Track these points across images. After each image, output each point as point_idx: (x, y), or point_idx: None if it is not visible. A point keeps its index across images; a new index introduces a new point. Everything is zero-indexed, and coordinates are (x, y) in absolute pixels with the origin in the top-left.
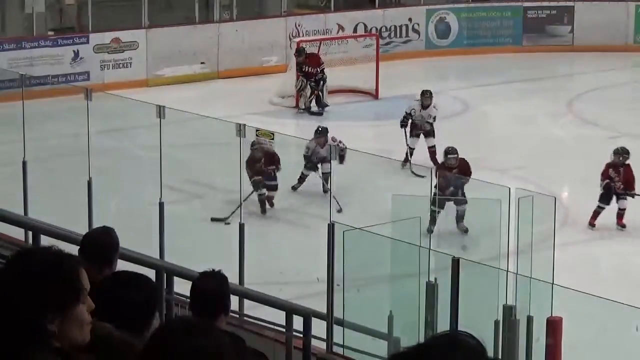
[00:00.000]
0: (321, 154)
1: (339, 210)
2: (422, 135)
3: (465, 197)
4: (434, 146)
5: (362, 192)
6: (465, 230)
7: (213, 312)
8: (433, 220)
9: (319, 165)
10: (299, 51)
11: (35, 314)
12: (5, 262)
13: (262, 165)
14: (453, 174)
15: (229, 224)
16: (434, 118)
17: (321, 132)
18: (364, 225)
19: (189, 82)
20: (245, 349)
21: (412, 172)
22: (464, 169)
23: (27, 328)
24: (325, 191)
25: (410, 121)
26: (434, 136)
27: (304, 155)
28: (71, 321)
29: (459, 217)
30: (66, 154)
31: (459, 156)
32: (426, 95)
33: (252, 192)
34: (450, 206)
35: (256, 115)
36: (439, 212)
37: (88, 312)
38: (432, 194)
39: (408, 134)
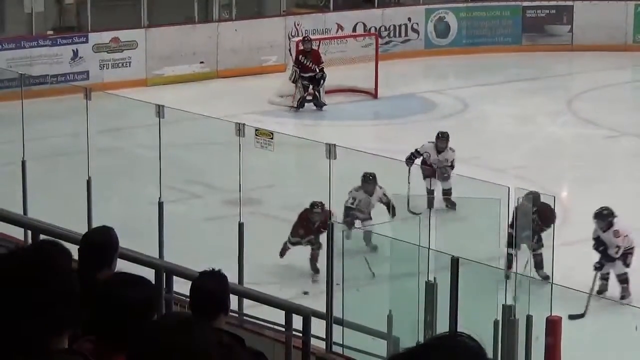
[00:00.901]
0: (372, 204)
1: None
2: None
3: (542, 243)
4: (450, 189)
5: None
6: (546, 277)
7: (212, 312)
8: (509, 264)
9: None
10: (307, 40)
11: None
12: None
13: (319, 227)
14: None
15: (307, 293)
16: (452, 163)
17: (372, 180)
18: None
19: (188, 82)
20: (245, 349)
21: (410, 210)
22: (547, 215)
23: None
24: (370, 246)
25: (420, 161)
26: (449, 178)
27: (347, 207)
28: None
29: (537, 264)
30: (65, 153)
31: (543, 201)
32: (442, 137)
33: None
34: (525, 249)
35: (255, 114)
36: (515, 255)
37: None
38: (508, 235)
39: (410, 174)
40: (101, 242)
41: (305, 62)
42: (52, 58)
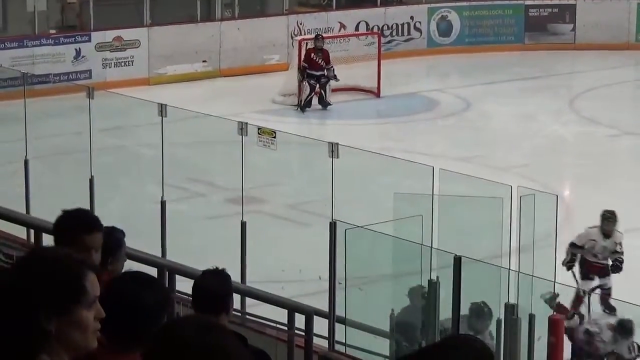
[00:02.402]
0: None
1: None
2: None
3: None
4: (610, 287)
5: (363, 190)
6: None
7: (214, 311)
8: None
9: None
10: (320, 38)
11: (31, 311)
12: (16, 261)
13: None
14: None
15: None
16: (620, 247)
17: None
18: (366, 224)
19: (191, 81)
20: (247, 348)
21: (605, 312)
22: None
23: (23, 325)
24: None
25: (580, 256)
26: (609, 273)
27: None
28: (72, 323)
29: None
30: (68, 152)
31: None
32: (610, 218)
33: None
34: None
35: (258, 113)
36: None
37: (97, 319)
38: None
39: (578, 274)
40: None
41: (316, 59)
42: (55, 57)
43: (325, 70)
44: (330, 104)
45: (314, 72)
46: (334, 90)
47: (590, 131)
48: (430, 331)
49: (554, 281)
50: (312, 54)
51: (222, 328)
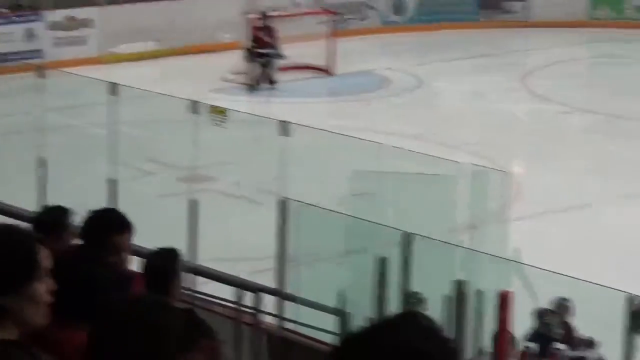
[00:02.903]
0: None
1: None
2: None
3: None
4: None
5: (316, 168)
6: None
7: (163, 289)
8: None
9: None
10: (266, 16)
11: None
12: None
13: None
14: None
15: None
16: None
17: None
18: (319, 202)
19: (144, 60)
20: (197, 321)
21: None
22: None
23: None
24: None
25: None
26: None
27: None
28: (25, 299)
29: None
30: (19, 132)
31: None
32: None
33: None
34: None
35: (210, 92)
36: None
37: (47, 292)
38: None
39: None
40: (51, 221)
41: (262, 36)
42: (6, 36)
43: (271, 48)
44: (276, 82)
45: (261, 49)
46: (286, 69)
47: (542, 108)
48: (380, 309)
49: (505, 258)
50: (259, 32)
51: (169, 306)
